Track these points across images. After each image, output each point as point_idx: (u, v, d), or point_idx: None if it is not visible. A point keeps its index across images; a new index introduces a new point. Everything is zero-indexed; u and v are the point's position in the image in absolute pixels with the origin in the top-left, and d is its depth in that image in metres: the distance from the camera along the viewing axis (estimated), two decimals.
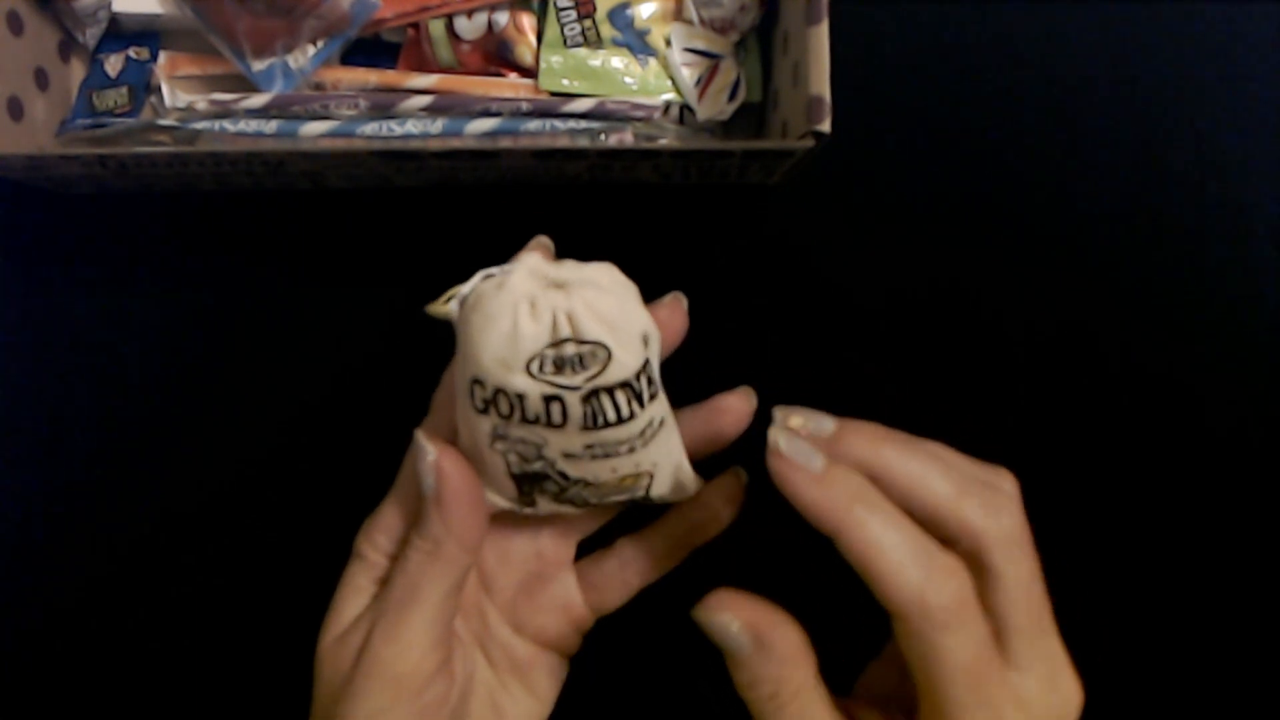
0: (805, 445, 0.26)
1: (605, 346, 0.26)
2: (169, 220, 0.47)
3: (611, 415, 0.27)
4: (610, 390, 0.26)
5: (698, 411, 0.33)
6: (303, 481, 0.47)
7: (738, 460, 0.35)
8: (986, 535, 0.26)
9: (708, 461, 0.34)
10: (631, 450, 0.28)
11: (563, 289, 0.26)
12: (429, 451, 0.28)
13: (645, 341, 0.27)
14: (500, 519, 0.33)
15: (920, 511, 0.26)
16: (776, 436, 0.26)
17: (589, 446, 0.28)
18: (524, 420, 0.27)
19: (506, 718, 0.33)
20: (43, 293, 0.47)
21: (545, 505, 0.31)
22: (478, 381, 0.27)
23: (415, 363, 0.47)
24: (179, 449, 0.47)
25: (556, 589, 0.34)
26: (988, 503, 0.26)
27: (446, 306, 0.27)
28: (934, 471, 0.26)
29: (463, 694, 0.31)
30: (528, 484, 0.30)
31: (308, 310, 0.47)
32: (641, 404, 0.27)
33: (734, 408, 0.33)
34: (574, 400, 0.26)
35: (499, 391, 0.26)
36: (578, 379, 0.26)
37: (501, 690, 0.33)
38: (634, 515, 0.36)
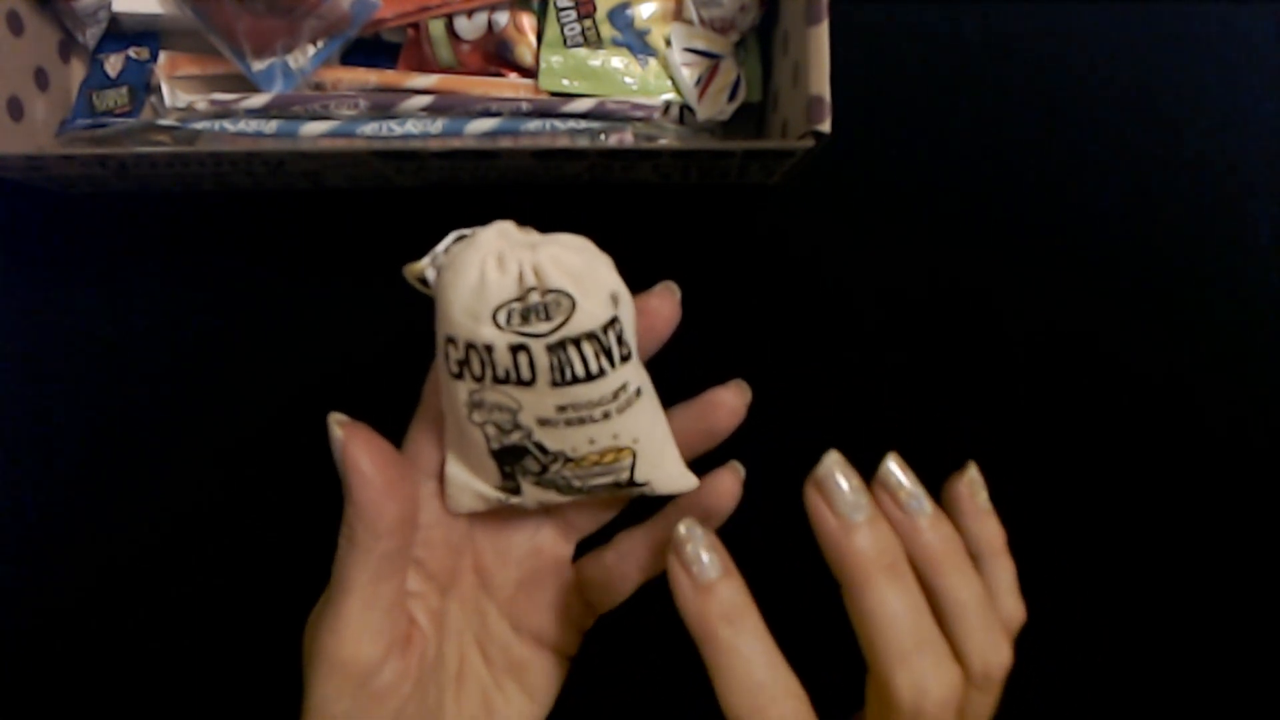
0: (700, 547, 0.27)
1: (570, 295, 0.26)
2: (169, 220, 0.47)
3: (579, 369, 0.27)
4: (576, 341, 0.27)
5: (690, 407, 0.33)
6: (303, 481, 0.46)
7: (736, 455, 0.35)
8: (896, 705, 0.26)
9: (706, 457, 0.34)
10: (606, 416, 0.28)
11: (531, 247, 0.27)
12: (336, 434, 0.28)
13: (615, 301, 0.27)
14: (497, 515, 0.33)
15: (862, 644, 0.27)
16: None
17: (561, 409, 0.28)
18: (495, 379, 0.27)
19: (497, 717, 0.32)
20: (43, 293, 0.47)
21: (530, 491, 0.31)
22: (450, 340, 0.27)
23: (415, 363, 0.47)
24: (179, 448, 0.47)
25: (555, 587, 0.34)
26: (930, 680, 0.26)
27: (422, 264, 0.28)
28: (904, 622, 0.26)
29: (423, 682, 0.31)
30: (508, 463, 0.30)
31: (308, 310, 0.47)
32: (611, 362, 0.27)
33: (727, 402, 0.33)
34: (539, 349, 0.27)
35: (469, 347, 0.27)
36: (542, 327, 0.26)
37: (495, 690, 0.33)
38: (633, 513, 0.36)
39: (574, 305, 0.26)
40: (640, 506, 0.35)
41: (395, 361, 0.47)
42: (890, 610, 0.26)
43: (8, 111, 0.41)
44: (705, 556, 0.27)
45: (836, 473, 0.28)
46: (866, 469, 0.47)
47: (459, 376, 0.28)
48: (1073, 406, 0.46)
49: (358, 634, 0.28)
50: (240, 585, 0.46)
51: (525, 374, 0.27)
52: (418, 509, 0.30)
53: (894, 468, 0.28)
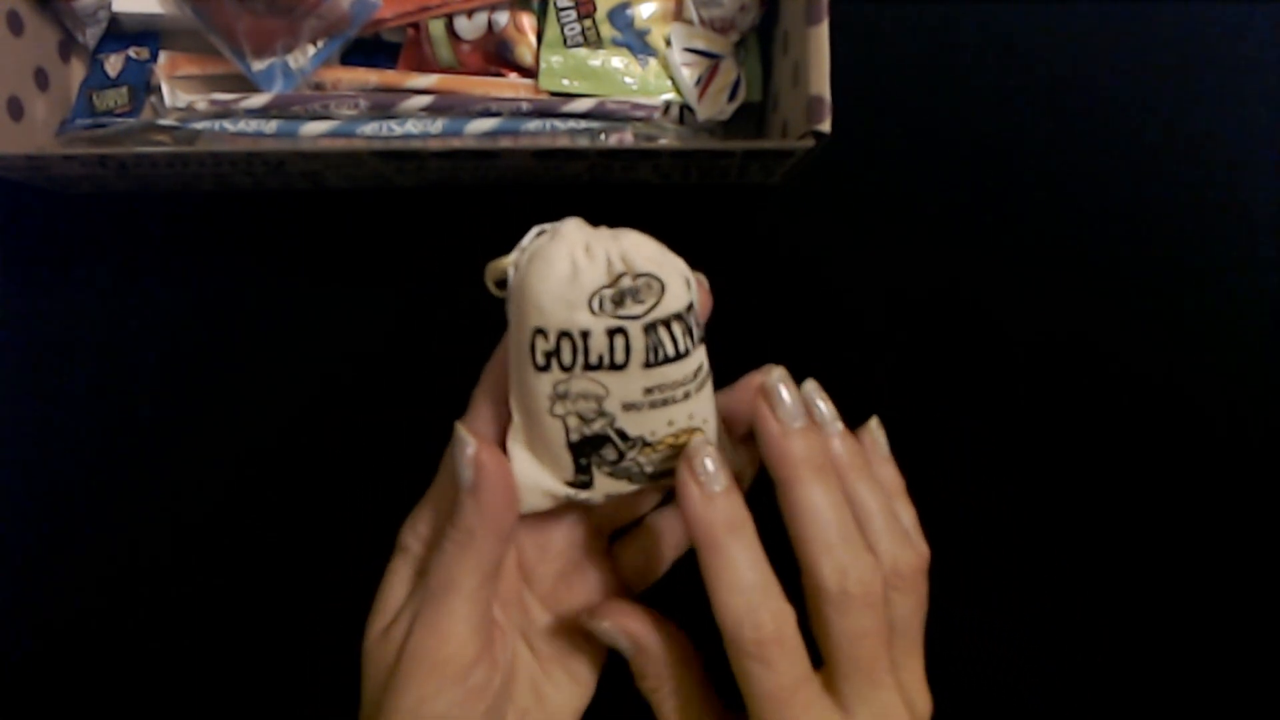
0: (711, 460, 0.29)
1: (658, 279, 0.28)
2: (169, 220, 0.47)
3: (670, 349, 0.28)
4: (667, 322, 0.28)
5: (732, 392, 0.34)
6: (303, 481, 0.47)
7: None
8: (823, 590, 0.28)
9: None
10: (686, 396, 0.29)
11: (612, 236, 0.28)
12: (469, 444, 0.29)
13: (688, 284, 0.29)
14: (538, 514, 0.33)
15: (793, 543, 0.29)
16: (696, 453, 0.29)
17: (649, 391, 0.29)
18: (586, 366, 0.28)
19: (549, 703, 0.33)
20: (43, 293, 0.47)
21: (601, 483, 0.31)
22: (540, 331, 0.28)
23: (415, 362, 0.47)
24: (179, 448, 0.47)
25: (594, 576, 0.35)
26: (849, 563, 0.28)
27: (509, 259, 0.29)
28: (828, 515, 0.29)
29: (505, 680, 0.32)
30: (585, 454, 0.30)
31: (308, 310, 0.47)
32: (693, 340, 0.29)
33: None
34: (636, 331, 0.28)
35: (562, 335, 0.28)
36: (637, 309, 0.28)
37: (544, 678, 0.34)
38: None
39: (663, 287, 0.28)
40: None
41: (395, 361, 0.47)
42: (818, 504, 0.29)
43: (8, 111, 0.41)
44: (712, 468, 0.28)
45: (781, 385, 0.30)
46: None
47: (544, 369, 0.29)
48: (1072, 406, 0.46)
49: (462, 634, 0.29)
50: (240, 585, 0.46)
51: (620, 357, 0.28)
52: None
53: (812, 390, 0.31)
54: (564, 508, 0.33)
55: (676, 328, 0.28)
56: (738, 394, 0.34)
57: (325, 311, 0.47)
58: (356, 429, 0.46)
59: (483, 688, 0.30)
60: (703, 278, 0.33)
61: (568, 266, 0.27)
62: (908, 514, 0.33)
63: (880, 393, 0.46)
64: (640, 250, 0.28)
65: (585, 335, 0.28)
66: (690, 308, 0.29)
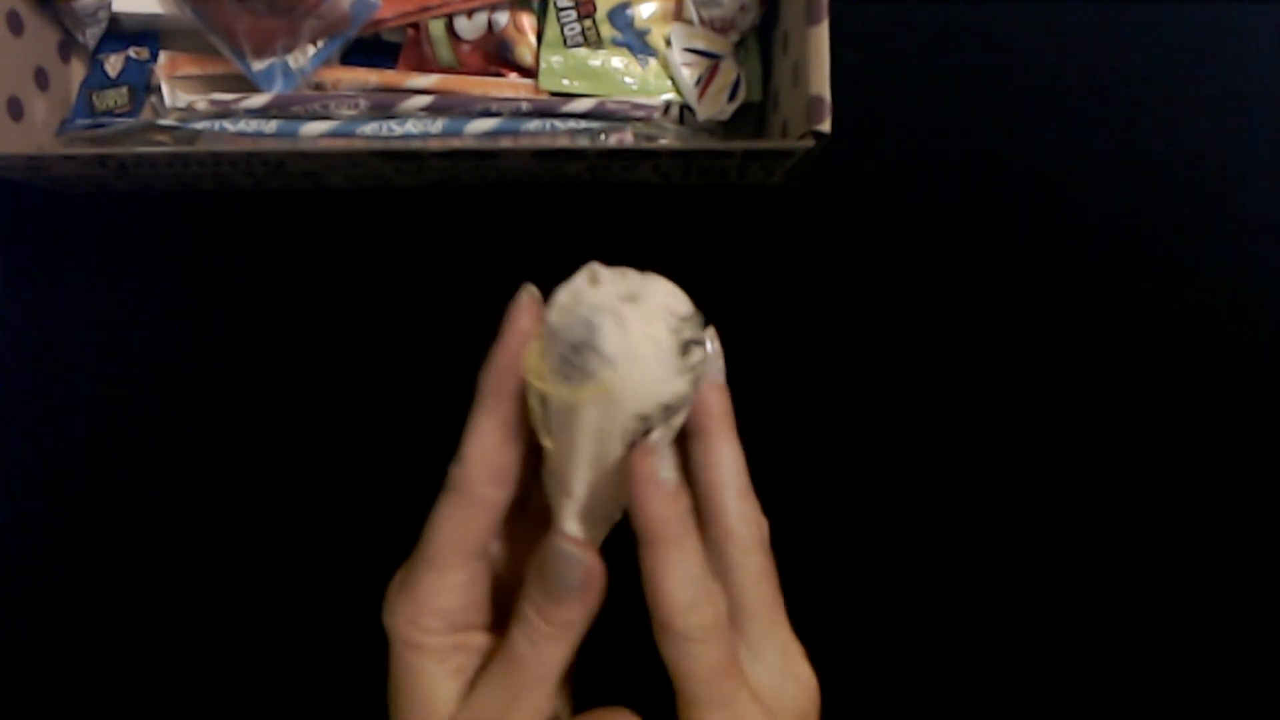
0: (668, 461, 0.30)
1: (696, 312, 0.29)
2: (169, 220, 0.47)
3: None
4: (700, 341, 0.30)
5: None
6: (303, 480, 0.47)
7: None
8: (733, 534, 0.31)
9: None
10: None
11: (633, 299, 0.29)
12: (581, 559, 0.30)
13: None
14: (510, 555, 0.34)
15: (703, 490, 0.31)
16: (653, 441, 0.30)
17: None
18: (670, 417, 0.29)
19: None
20: (43, 293, 0.47)
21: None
22: (644, 417, 0.29)
23: (415, 362, 0.47)
24: (179, 448, 0.47)
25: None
26: (753, 510, 0.32)
27: (551, 382, 0.29)
28: (739, 467, 0.32)
29: None
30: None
31: (308, 310, 0.47)
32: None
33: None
34: (700, 354, 0.29)
35: (664, 409, 0.29)
36: (697, 340, 0.29)
37: None
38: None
39: (694, 312, 0.29)
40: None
41: (395, 361, 0.47)
42: (734, 458, 0.31)
43: (8, 111, 0.41)
44: (668, 467, 0.29)
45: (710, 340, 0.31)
46: (867, 468, 0.47)
47: (634, 445, 0.29)
48: (1072, 406, 0.46)
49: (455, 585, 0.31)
50: (240, 585, 0.46)
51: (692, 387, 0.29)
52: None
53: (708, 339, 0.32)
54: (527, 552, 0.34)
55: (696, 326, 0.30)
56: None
57: (325, 311, 0.47)
58: (357, 429, 0.46)
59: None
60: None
61: (652, 349, 0.28)
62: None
63: (880, 392, 0.46)
64: (668, 291, 0.29)
65: (678, 395, 0.29)
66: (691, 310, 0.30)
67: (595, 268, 0.29)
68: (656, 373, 0.28)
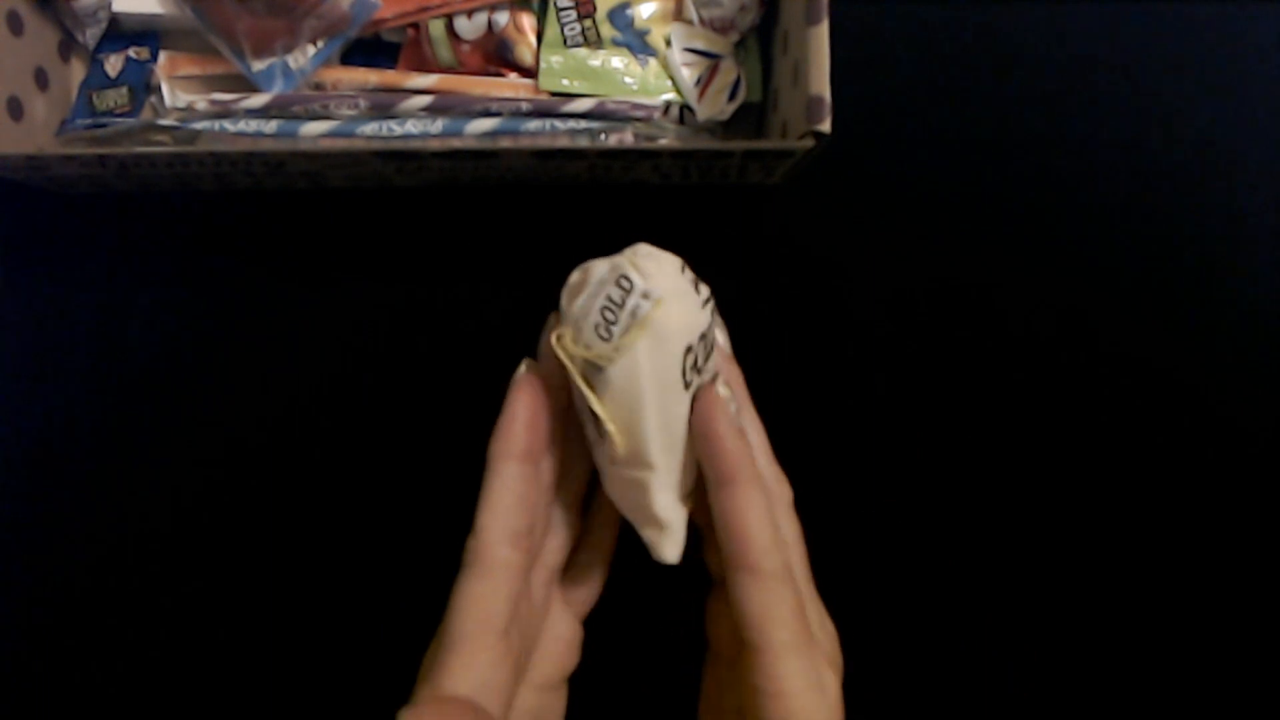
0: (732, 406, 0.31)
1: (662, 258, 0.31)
2: (169, 220, 0.47)
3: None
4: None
5: None
6: (303, 480, 0.47)
7: None
8: (769, 492, 0.32)
9: None
10: None
11: (635, 258, 0.30)
12: (520, 375, 0.31)
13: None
14: (530, 613, 0.33)
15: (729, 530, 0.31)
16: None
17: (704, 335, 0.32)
18: (708, 352, 0.31)
19: None
20: (43, 293, 0.47)
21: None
22: (689, 349, 0.30)
23: (415, 362, 0.47)
24: (178, 448, 0.47)
25: (554, 630, 0.34)
26: (775, 474, 0.34)
27: (600, 348, 0.29)
28: (759, 434, 0.34)
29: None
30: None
31: (308, 310, 0.47)
32: None
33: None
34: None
35: (700, 338, 0.30)
36: (705, 290, 0.32)
37: None
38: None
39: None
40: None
41: (395, 361, 0.47)
42: (754, 424, 0.34)
43: (8, 111, 0.41)
44: (734, 409, 0.31)
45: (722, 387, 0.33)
46: (867, 468, 0.47)
47: (688, 385, 0.30)
48: (1075, 404, 0.46)
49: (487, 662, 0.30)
50: (240, 585, 0.46)
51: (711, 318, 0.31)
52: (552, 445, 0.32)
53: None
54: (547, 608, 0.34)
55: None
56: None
57: (325, 311, 0.47)
58: (356, 429, 0.46)
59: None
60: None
61: (684, 284, 0.30)
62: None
63: (881, 392, 0.46)
64: (651, 252, 0.30)
65: (707, 323, 0.31)
66: None
67: (586, 263, 0.31)
68: (688, 302, 0.30)
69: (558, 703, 0.35)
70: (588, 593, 0.36)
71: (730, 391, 0.31)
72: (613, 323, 0.29)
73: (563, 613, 0.35)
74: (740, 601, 0.29)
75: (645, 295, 0.29)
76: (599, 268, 0.30)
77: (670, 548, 0.32)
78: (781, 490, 0.34)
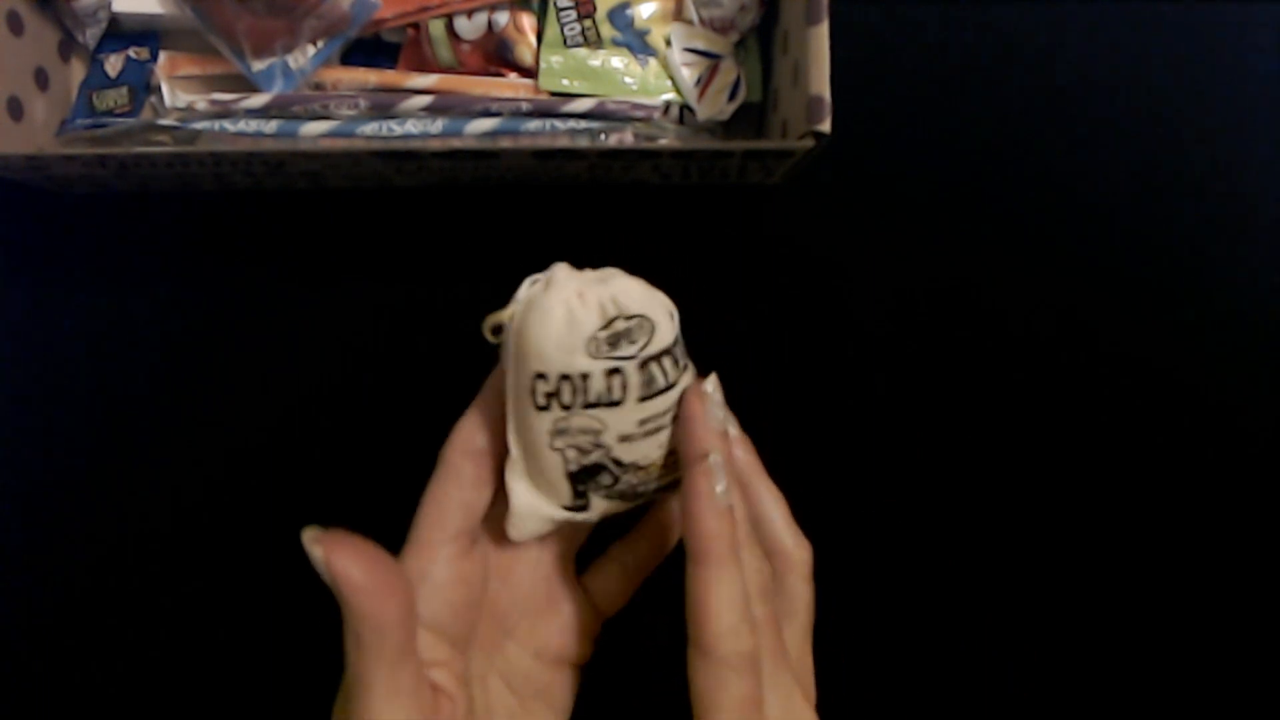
0: (723, 481, 0.30)
1: (648, 318, 0.29)
2: (169, 220, 0.47)
3: (660, 381, 0.30)
4: (658, 357, 0.30)
5: None
6: (302, 480, 0.47)
7: None
8: (801, 564, 0.34)
9: None
10: (674, 420, 0.31)
11: (601, 281, 0.30)
12: (315, 552, 0.28)
13: (673, 317, 0.31)
14: (503, 557, 0.34)
15: (758, 525, 0.33)
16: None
17: (643, 422, 0.30)
18: (586, 405, 0.30)
19: None
20: (43, 293, 0.47)
21: (597, 504, 0.33)
22: (540, 375, 0.29)
23: (415, 362, 0.47)
24: (178, 448, 0.47)
25: (566, 607, 0.35)
26: (798, 539, 0.34)
27: (508, 312, 0.30)
28: (776, 502, 0.34)
29: None
30: (582, 481, 0.32)
31: (308, 310, 0.47)
32: (680, 370, 0.31)
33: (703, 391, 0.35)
34: (632, 369, 0.29)
35: (563, 379, 0.29)
36: (631, 350, 0.29)
37: (524, 714, 0.34)
38: (621, 519, 0.36)
39: (653, 326, 0.29)
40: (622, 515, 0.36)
41: (395, 361, 0.47)
42: (772, 498, 0.34)
43: (8, 111, 0.41)
44: (723, 488, 0.30)
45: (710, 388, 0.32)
46: (867, 468, 0.47)
47: (545, 409, 0.30)
48: (1075, 404, 0.46)
49: None
50: (240, 585, 0.46)
51: (617, 395, 0.30)
52: (413, 597, 0.30)
53: (711, 389, 0.32)
54: (526, 546, 0.35)
55: (666, 361, 0.30)
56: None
57: (325, 311, 0.47)
58: (356, 429, 0.46)
59: None
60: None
61: (564, 313, 0.29)
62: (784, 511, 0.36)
63: (881, 392, 0.46)
64: (629, 292, 0.29)
65: (585, 377, 0.29)
66: (676, 340, 0.31)
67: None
68: (558, 334, 0.29)
69: (561, 684, 0.35)
70: (611, 588, 0.36)
71: (717, 464, 0.30)
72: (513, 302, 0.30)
73: (578, 595, 0.35)
74: (691, 679, 0.29)
75: (516, 299, 0.30)
76: (558, 270, 0.30)
77: (513, 530, 0.33)
78: (802, 557, 0.34)
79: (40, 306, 0.47)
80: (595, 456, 0.31)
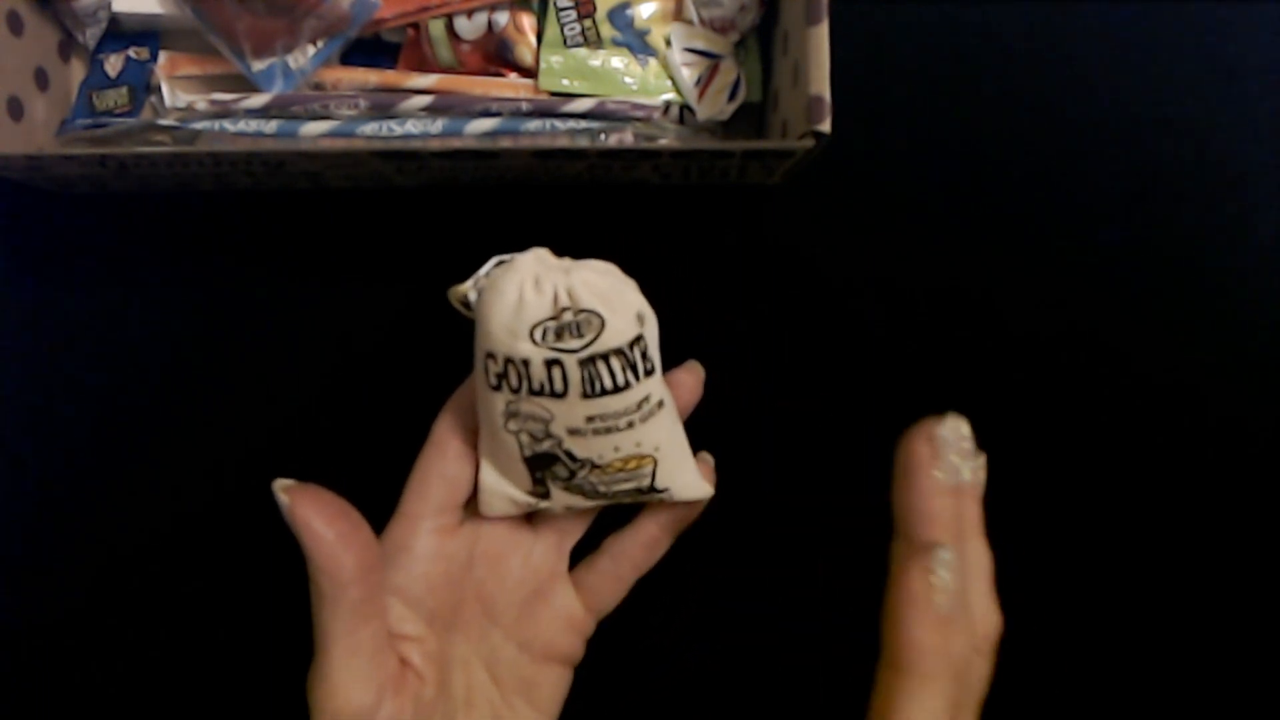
0: (949, 580, 0.27)
1: (599, 315, 0.29)
2: (169, 220, 0.47)
3: (608, 382, 0.29)
4: (605, 356, 0.29)
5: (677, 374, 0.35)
6: (301, 480, 0.46)
7: (737, 453, 0.36)
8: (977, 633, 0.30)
9: None
10: (630, 425, 0.30)
11: (564, 271, 0.29)
12: (282, 499, 0.30)
13: (640, 320, 0.30)
14: (493, 542, 0.34)
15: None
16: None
17: (590, 419, 0.30)
18: (530, 391, 0.29)
19: None
20: (43, 292, 0.47)
21: (558, 495, 0.33)
22: (490, 355, 0.30)
23: (414, 362, 0.47)
24: (178, 448, 0.47)
25: (556, 601, 0.35)
26: (988, 610, 0.31)
27: (466, 287, 0.31)
28: (984, 569, 0.31)
29: (449, 715, 0.32)
30: (539, 469, 0.32)
31: (308, 310, 0.47)
32: (637, 375, 0.30)
33: (685, 381, 0.35)
34: (572, 364, 0.29)
35: (508, 361, 0.29)
36: (575, 344, 0.29)
37: (505, 708, 0.34)
38: (619, 514, 0.36)
39: (603, 324, 0.29)
40: (623, 509, 0.36)
41: (395, 361, 0.47)
42: (981, 556, 0.31)
43: (8, 111, 0.41)
44: (947, 589, 0.27)
45: (959, 427, 0.29)
46: (867, 468, 0.47)
47: (497, 389, 0.30)
48: (1075, 406, 0.46)
49: (346, 681, 0.29)
50: (240, 585, 0.46)
51: (558, 386, 0.29)
52: (377, 556, 0.30)
53: (948, 433, 0.29)
54: (521, 537, 0.35)
55: (615, 362, 0.29)
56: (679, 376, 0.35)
57: (325, 311, 0.47)
58: (356, 428, 0.46)
59: None
60: (697, 366, 0.35)
61: (515, 297, 0.29)
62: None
63: (880, 393, 0.46)
64: (590, 285, 0.29)
65: (526, 363, 0.29)
66: (635, 342, 0.29)
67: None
68: (506, 319, 0.29)
69: (549, 681, 0.35)
70: (601, 587, 0.36)
71: (951, 551, 0.27)
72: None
73: (568, 590, 0.35)
74: None
75: (476, 276, 0.30)
76: (541, 251, 0.30)
77: (483, 506, 0.33)
78: (983, 631, 0.30)
79: (40, 306, 0.47)
80: (546, 445, 0.31)
